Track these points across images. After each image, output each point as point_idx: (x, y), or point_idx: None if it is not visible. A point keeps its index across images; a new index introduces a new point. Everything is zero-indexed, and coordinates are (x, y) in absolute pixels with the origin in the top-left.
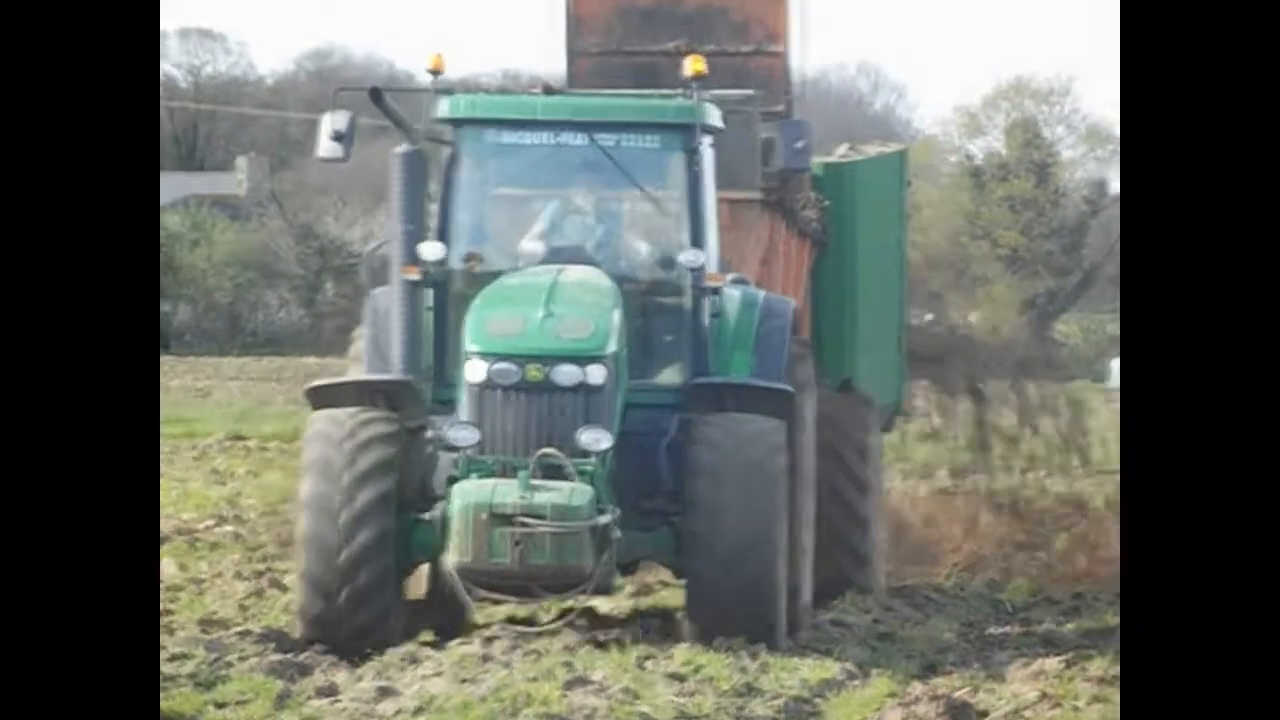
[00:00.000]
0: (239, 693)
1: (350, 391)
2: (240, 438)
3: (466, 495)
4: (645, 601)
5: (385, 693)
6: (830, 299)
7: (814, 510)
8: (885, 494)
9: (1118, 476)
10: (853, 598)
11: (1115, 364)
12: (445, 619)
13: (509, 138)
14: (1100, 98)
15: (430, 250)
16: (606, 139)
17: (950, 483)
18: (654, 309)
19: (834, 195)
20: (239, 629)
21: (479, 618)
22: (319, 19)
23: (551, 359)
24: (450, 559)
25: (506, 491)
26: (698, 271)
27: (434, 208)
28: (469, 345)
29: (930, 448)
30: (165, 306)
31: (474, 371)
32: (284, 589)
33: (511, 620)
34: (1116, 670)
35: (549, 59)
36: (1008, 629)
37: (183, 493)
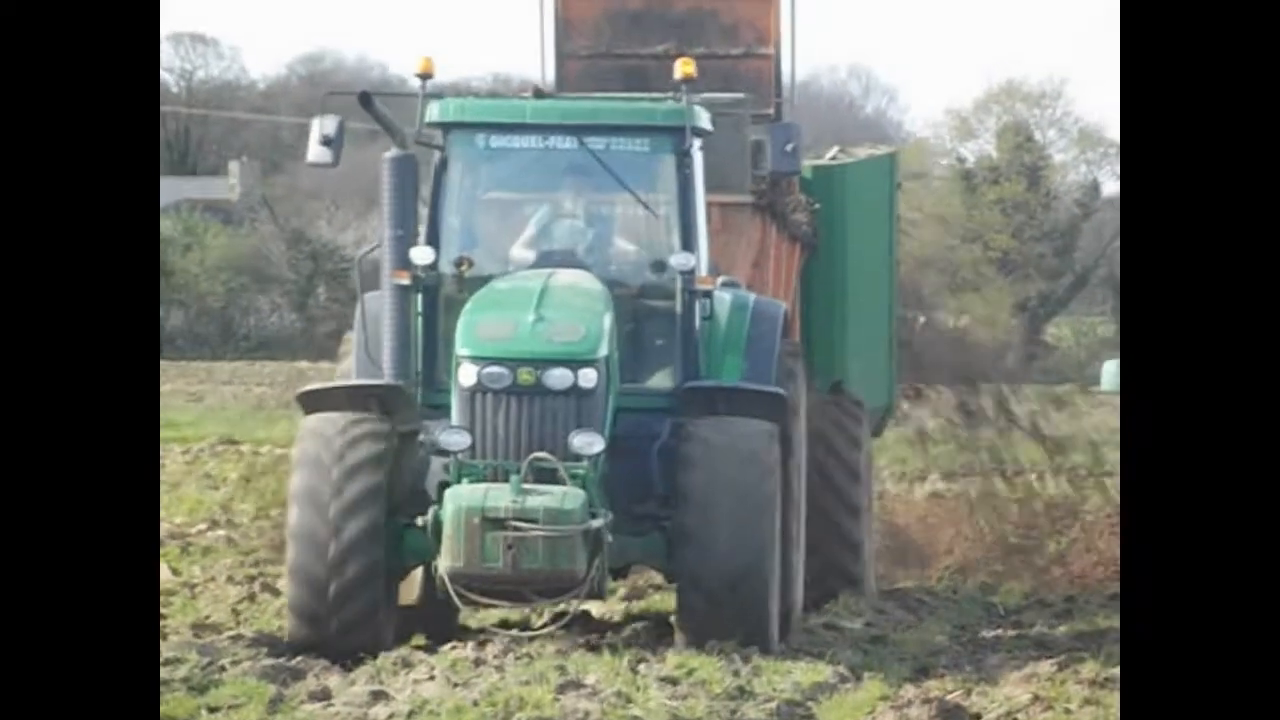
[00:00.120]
0: (232, 697)
1: (342, 396)
2: (233, 442)
3: (459, 499)
4: (638, 605)
5: (378, 697)
6: (820, 302)
7: (804, 515)
8: (877, 497)
9: (1109, 479)
10: (845, 601)
11: (1107, 367)
12: (437, 624)
13: (498, 141)
14: (1092, 101)
15: (421, 255)
16: (596, 142)
17: (942, 486)
18: (645, 312)
19: (824, 198)
20: (232, 633)
21: (471, 622)
22: (311, 23)
23: (543, 363)
24: (442, 563)
25: (499, 496)
26: (688, 275)
27: (425, 212)
28: (460, 349)
29: (921, 451)
30: None
31: (465, 375)
32: (277, 593)
33: (504, 624)
34: (1109, 673)
35: (538, 62)
36: (1000, 632)
37: (175, 497)
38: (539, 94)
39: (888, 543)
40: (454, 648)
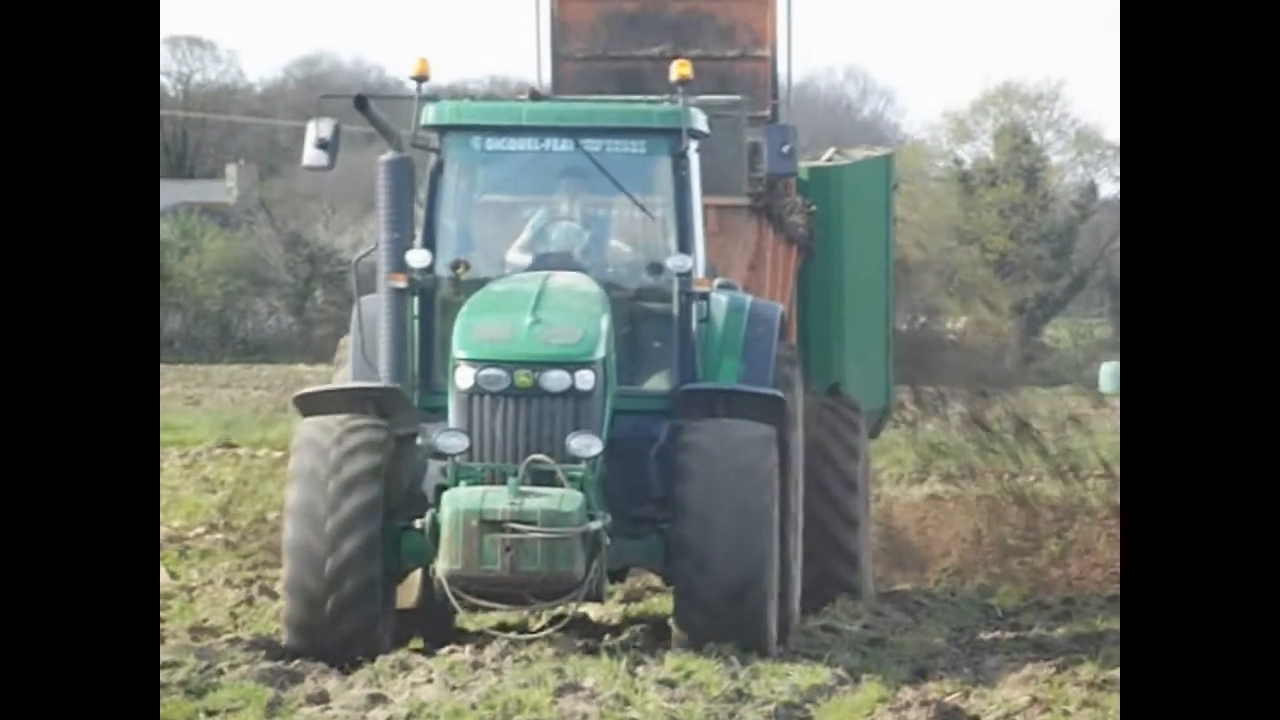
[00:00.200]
0: (230, 700)
1: (339, 399)
2: (230, 445)
3: (457, 502)
4: (636, 608)
5: (376, 700)
6: (817, 303)
7: (803, 516)
8: (875, 499)
9: (1108, 481)
10: (843, 603)
11: (1105, 368)
12: (435, 627)
13: (494, 144)
14: (1089, 102)
15: (417, 258)
16: (592, 144)
17: (940, 488)
18: (641, 315)
19: (820, 199)
20: (230, 636)
21: (469, 625)
22: (308, 26)
23: (540, 365)
24: (441, 566)
25: (497, 498)
26: (685, 277)
27: (421, 214)
28: (457, 352)
29: (919, 452)
30: None
31: (462, 378)
32: (275, 596)
33: (502, 627)
34: (1107, 675)
35: (535, 65)
36: (998, 634)
37: (173, 500)
38: (535, 96)
39: (885, 545)
40: (452, 651)
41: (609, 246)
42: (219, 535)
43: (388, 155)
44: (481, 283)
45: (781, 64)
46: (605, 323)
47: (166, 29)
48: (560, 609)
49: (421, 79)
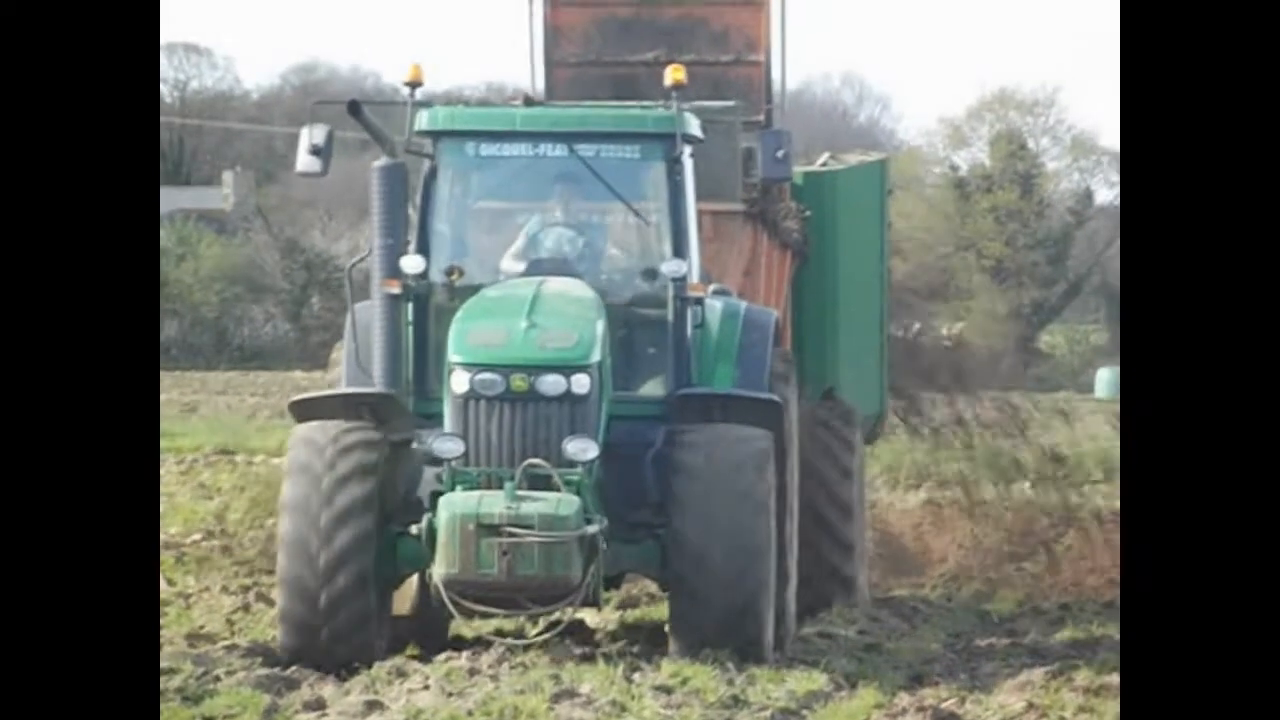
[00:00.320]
0: (226, 707)
1: (335, 404)
2: (227, 452)
3: (453, 506)
4: (632, 615)
5: (373, 706)
6: (812, 309)
7: (798, 521)
8: (870, 505)
9: (1104, 487)
10: (839, 609)
11: (1101, 374)
12: (431, 634)
13: (488, 150)
14: (1085, 109)
15: (411, 264)
16: (586, 150)
17: (936, 494)
18: (636, 320)
19: (815, 205)
20: (226, 643)
21: (466, 631)
22: (305, 33)
23: (536, 369)
24: (438, 570)
25: (493, 502)
26: (680, 282)
27: (415, 220)
28: (452, 357)
29: (914, 458)
30: None
31: (458, 383)
32: (271, 603)
33: (499, 633)
34: (1103, 680)
35: (529, 70)
36: (994, 640)
37: (170, 507)
38: (529, 102)
39: (882, 551)
40: (449, 657)
41: (603, 252)
42: (215, 542)
43: (382, 161)
44: (476, 288)
45: (775, 69)
46: (600, 327)
47: (164, 36)
48: (557, 615)
49: (415, 85)
